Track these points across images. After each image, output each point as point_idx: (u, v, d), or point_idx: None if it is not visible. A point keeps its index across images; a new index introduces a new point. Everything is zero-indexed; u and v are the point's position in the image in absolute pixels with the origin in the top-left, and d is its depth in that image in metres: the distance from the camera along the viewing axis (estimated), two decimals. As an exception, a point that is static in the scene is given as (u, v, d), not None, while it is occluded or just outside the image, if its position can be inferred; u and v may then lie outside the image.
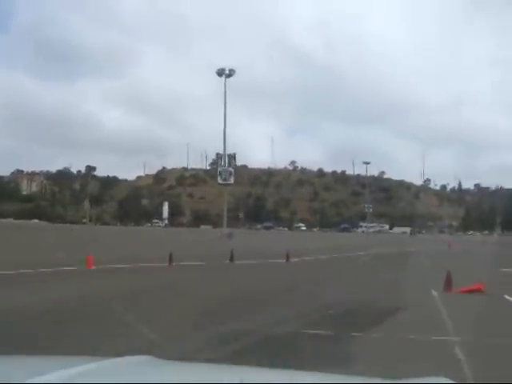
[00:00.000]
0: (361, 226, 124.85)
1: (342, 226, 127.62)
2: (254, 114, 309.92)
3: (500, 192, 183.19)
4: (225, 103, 61.01)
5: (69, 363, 1.80)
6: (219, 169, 62.95)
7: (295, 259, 24.39)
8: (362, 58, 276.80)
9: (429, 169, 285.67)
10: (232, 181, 62.72)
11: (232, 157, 62.80)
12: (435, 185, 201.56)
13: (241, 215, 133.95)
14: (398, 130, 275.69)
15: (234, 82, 78.69)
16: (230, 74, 60.31)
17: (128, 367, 1.96)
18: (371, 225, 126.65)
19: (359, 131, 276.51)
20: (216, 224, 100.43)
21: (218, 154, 65.77)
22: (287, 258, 23.94)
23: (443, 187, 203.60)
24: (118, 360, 1.99)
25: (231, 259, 22.43)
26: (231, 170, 61.91)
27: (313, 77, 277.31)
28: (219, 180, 62.85)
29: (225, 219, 62.21)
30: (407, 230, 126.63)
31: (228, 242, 40.32)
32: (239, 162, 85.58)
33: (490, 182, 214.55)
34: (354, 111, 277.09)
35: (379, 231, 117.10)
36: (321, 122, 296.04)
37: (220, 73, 60.37)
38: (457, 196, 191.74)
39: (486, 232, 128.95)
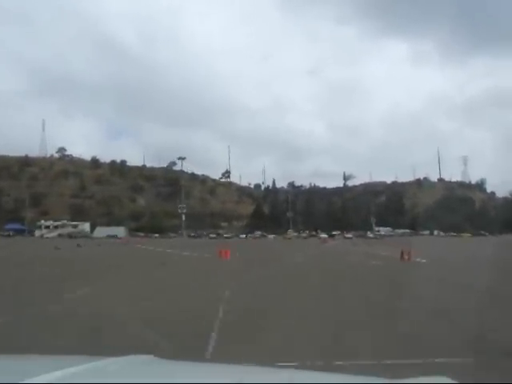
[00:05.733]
0: (43, 227, 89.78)
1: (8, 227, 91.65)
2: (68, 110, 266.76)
3: (314, 190, 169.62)
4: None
5: (69, 363, 1.78)
6: None
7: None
8: (182, 59, 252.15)
9: (249, 169, 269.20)
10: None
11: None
12: (249, 184, 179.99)
13: None
14: (213, 130, 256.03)
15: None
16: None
17: (128, 367, 1.93)
18: (56, 223, 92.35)
19: (174, 131, 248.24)
20: None
21: None
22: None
23: (257, 186, 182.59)
24: (119, 359, 1.96)
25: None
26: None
27: (131, 74, 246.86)
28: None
29: None
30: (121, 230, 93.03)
31: None
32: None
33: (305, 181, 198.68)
34: (171, 111, 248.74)
35: (59, 235, 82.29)
36: (139, 121, 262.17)
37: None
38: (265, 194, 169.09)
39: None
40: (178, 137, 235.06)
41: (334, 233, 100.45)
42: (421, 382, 1.84)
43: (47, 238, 78.74)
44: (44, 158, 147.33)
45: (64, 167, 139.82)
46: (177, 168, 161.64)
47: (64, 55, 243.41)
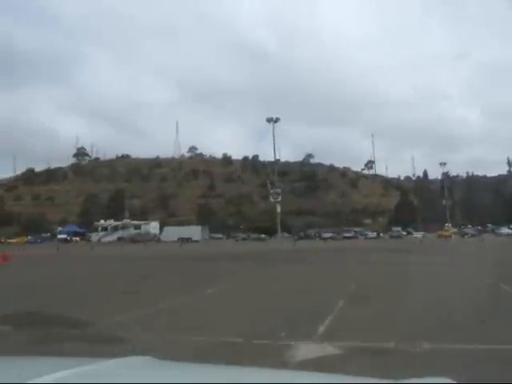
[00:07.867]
0: (100, 229, 74.68)
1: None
2: (213, 115, 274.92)
3: (473, 179, 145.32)
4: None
5: (68, 364, 1.80)
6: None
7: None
8: (321, 54, 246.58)
9: (396, 162, 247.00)
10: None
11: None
12: (398, 176, 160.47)
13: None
14: (355, 124, 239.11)
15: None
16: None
17: (127, 368, 1.95)
18: (116, 223, 76.07)
19: (313, 127, 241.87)
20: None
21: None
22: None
23: (408, 178, 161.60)
24: (118, 361, 1.98)
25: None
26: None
27: (270, 73, 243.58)
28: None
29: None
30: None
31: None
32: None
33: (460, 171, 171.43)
34: (309, 107, 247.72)
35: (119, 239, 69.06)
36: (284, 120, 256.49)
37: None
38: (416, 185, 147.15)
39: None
40: (318, 132, 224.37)
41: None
42: (422, 382, 1.82)
43: (109, 242, 66.47)
44: (174, 159, 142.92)
45: (194, 166, 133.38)
46: (314, 161, 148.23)
47: (204, 60, 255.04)
